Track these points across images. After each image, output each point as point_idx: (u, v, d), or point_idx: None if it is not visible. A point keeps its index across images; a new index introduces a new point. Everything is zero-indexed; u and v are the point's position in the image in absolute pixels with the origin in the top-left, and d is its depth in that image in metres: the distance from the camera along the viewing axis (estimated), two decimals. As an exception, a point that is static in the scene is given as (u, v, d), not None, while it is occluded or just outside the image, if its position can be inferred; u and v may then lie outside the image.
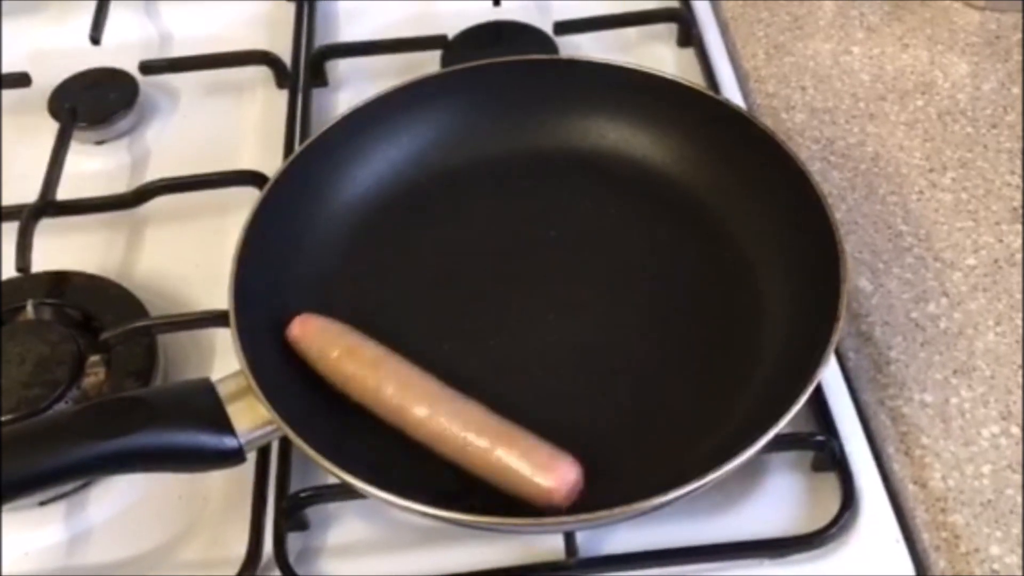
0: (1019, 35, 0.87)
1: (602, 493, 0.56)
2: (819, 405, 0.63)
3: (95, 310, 0.71)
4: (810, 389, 0.55)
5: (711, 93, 0.75)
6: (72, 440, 0.52)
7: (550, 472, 0.54)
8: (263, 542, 0.60)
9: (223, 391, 0.57)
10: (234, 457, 0.56)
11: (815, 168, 0.78)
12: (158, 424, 0.54)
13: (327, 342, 0.61)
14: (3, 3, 0.94)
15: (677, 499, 0.52)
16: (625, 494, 0.53)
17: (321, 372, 0.61)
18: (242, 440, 0.56)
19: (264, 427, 0.56)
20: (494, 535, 0.60)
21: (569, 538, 0.59)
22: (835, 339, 0.56)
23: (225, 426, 0.56)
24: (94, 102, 0.86)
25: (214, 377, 0.59)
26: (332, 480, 0.58)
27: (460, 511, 0.52)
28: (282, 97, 0.86)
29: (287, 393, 0.58)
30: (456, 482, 0.57)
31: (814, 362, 0.56)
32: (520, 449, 0.55)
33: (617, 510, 0.52)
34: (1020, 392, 0.65)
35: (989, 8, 0.89)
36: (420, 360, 0.63)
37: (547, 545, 0.60)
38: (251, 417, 0.56)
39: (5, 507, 0.57)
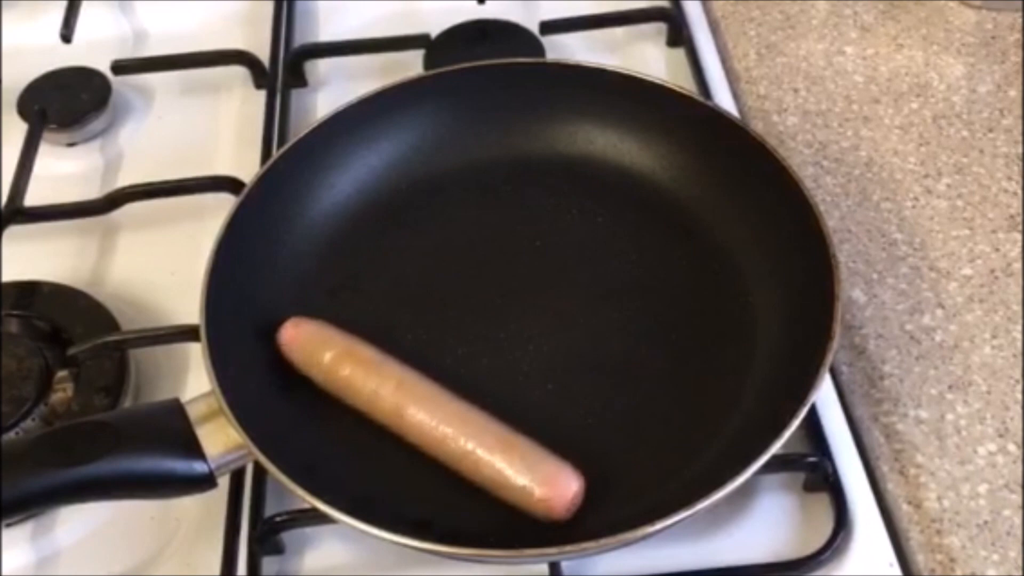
0: (1016, 35, 0.85)
1: (587, 520, 0.54)
2: (812, 424, 0.61)
3: (64, 322, 0.68)
4: (803, 413, 0.53)
5: (701, 98, 0.73)
6: (34, 469, 0.50)
7: (549, 485, 0.53)
8: (236, 567, 0.58)
9: (193, 413, 0.55)
10: (204, 483, 0.54)
11: (807, 173, 0.76)
12: (124, 450, 0.52)
13: (321, 345, 0.59)
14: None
15: (664, 529, 0.50)
16: (612, 521, 0.51)
17: (314, 377, 0.59)
18: (212, 465, 0.54)
19: (235, 451, 0.54)
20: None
21: (554, 563, 0.57)
22: (829, 361, 0.54)
23: (195, 450, 0.53)
24: (65, 103, 0.83)
25: (186, 394, 0.58)
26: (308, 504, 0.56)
27: (441, 541, 0.50)
28: (260, 98, 0.84)
29: (260, 415, 0.56)
30: (436, 509, 0.55)
31: (807, 385, 0.54)
32: (520, 459, 0.54)
33: (603, 540, 0.50)
34: (1017, 408, 0.63)
35: (985, 7, 0.87)
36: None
37: (531, 569, 0.58)
38: (222, 440, 0.54)
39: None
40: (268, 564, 0.59)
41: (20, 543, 0.62)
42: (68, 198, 0.77)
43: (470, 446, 0.54)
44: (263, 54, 0.86)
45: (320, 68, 0.87)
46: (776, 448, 0.52)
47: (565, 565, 0.57)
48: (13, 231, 0.74)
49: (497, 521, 0.55)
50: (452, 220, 0.71)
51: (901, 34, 0.86)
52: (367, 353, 0.59)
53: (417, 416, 0.56)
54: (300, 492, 0.52)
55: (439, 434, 0.55)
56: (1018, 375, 0.65)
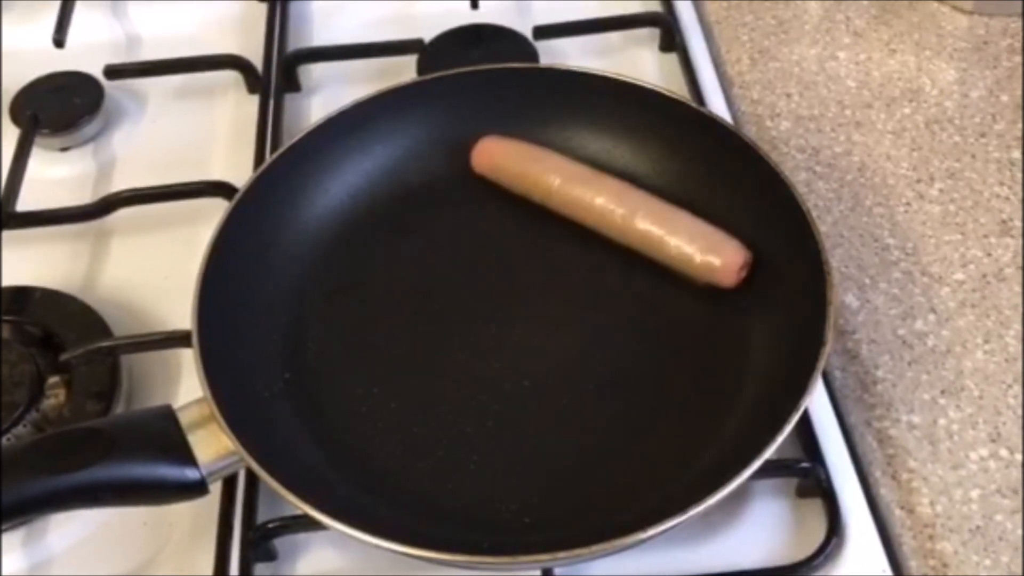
0: (1008, 40, 0.85)
1: (581, 525, 0.54)
2: (804, 429, 0.61)
3: (56, 327, 0.68)
4: (795, 419, 0.53)
5: (693, 104, 0.73)
6: (25, 476, 0.50)
7: (723, 257, 0.63)
8: (229, 573, 0.58)
9: (185, 419, 0.55)
10: (196, 489, 0.54)
11: (800, 179, 0.76)
12: (116, 456, 0.52)
13: (518, 162, 0.69)
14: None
15: (657, 534, 0.50)
16: (605, 527, 0.51)
17: (517, 191, 0.69)
18: (204, 471, 0.53)
19: (227, 457, 0.54)
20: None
21: (547, 569, 0.57)
22: (821, 365, 0.55)
23: (187, 457, 0.53)
24: (58, 107, 0.83)
25: (178, 400, 0.57)
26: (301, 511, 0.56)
27: (433, 547, 0.50)
28: (253, 102, 0.83)
29: (252, 421, 0.56)
30: (429, 514, 0.55)
31: (800, 389, 0.54)
32: (694, 235, 0.64)
33: (596, 547, 0.50)
34: (1010, 413, 0.63)
35: (977, 12, 0.87)
36: (395, 376, 0.62)
37: (525, 575, 0.58)
38: (214, 447, 0.54)
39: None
40: (261, 570, 0.59)
41: (13, 549, 0.61)
42: (61, 203, 0.77)
43: (659, 232, 0.65)
44: (256, 58, 0.86)
45: (314, 73, 0.87)
46: (769, 453, 0.52)
47: (558, 571, 0.57)
48: (5, 236, 0.74)
49: (490, 527, 0.55)
50: (447, 224, 0.71)
51: (893, 39, 0.86)
52: (557, 160, 0.68)
53: (613, 209, 0.66)
54: (292, 499, 0.52)
55: (636, 221, 0.65)
56: (1010, 380, 0.65)
